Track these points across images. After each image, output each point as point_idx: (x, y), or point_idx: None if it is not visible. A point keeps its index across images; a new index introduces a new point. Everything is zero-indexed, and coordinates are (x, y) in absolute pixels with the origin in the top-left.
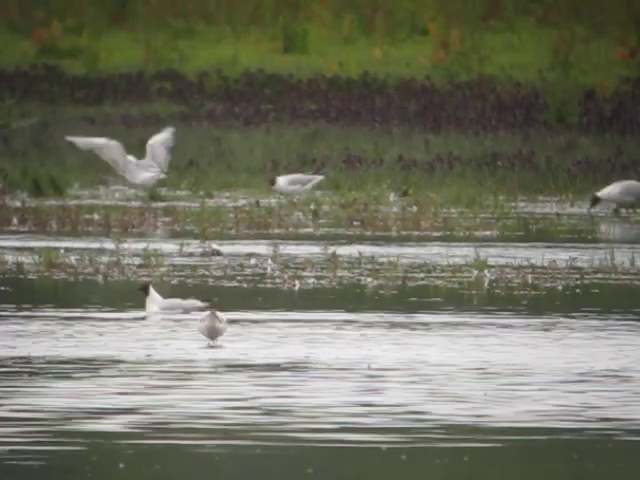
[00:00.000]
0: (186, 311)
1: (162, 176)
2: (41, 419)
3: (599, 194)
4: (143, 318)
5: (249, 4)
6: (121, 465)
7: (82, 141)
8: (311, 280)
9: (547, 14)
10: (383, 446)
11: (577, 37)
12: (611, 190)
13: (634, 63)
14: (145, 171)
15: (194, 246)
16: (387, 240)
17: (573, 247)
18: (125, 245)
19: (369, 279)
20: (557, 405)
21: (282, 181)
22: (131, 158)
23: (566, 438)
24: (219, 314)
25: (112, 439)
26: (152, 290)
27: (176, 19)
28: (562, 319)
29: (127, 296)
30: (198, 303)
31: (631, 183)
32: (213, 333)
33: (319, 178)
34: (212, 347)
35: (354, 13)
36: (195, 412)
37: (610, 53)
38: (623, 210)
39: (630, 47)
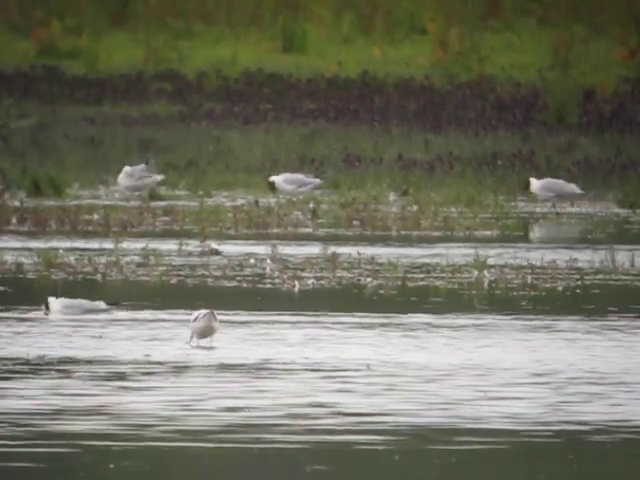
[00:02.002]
0: (88, 312)
1: (143, 189)
2: (33, 419)
3: (530, 181)
4: (49, 318)
5: (248, 4)
6: (111, 465)
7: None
8: (310, 280)
9: (547, 14)
10: (380, 447)
11: (577, 37)
12: (534, 184)
13: (634, 63)
14: (132, 179)
15: (193, 245)
16: (387, 240)
17: (571, 248)
18: (124, 245)
19: (369, 279)
20: (556, 405)
21: (279, 179)
22: (127, 167)
23: (564, 439)
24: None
25: (105, 440)
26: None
27: (176, 20)
28: (562, 320)
29: (126, 296)
30: (102, 305)
31: (550, 180)
32: (207, 333)
33: (317, 182)
34: (208, 348)
35: (353, 13)
36: (190, 412)
37: (610, 53)
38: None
39: (630, 47)
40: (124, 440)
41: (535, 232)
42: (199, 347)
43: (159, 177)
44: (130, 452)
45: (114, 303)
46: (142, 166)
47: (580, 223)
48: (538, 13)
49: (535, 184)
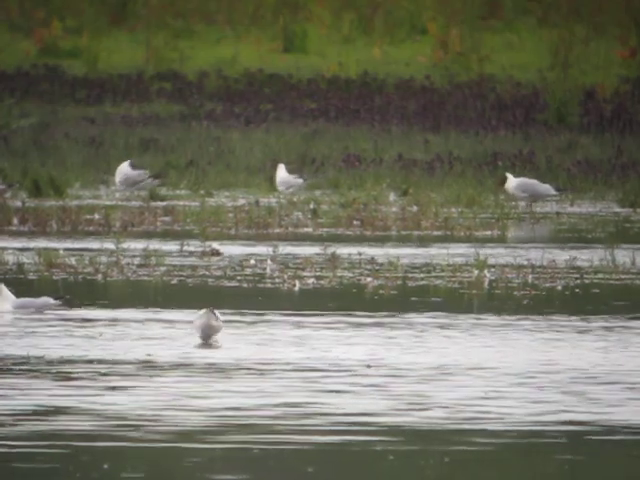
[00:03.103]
0: (39, 310)
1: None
2: (29, 419)
3: (508, 177)
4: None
5: (249, 4)
6: (105, 465)
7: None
8: (311, 280)
9: (547, 14)
10: (378, 447)
11: (577, 37)
12: (510, 182)
13: (634, 63)
14: (131, 177)
15: (194, 246)
16: (387, 240)
17: (573, 247)
18: (125, 245)
19: (369, 279)
20: (555, 405)
21: (281, 173)
22: (126, 165)
23: (563, 439)
24: (216, 312)
25: (101, 440)
26: (4, 288)
27: (176, 19)
28: (562, 319)
29: (127, 296)
30: (51, 301)
31: (524, 180)
32: (208, 331)
33: (300, 182)
34: (208, 347)
35: (353, 13)
36: (187, 412)
37: (610, 53)
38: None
39: (630, 47)
40: (120, 440)
41: (512, 232)
42: (199, 347)
43: (157, 182)
44: (125, 452)
45: (60, 297)
46: (143, 171)
47: (552, 222)
48: (538, 13)
49: (511, 183)
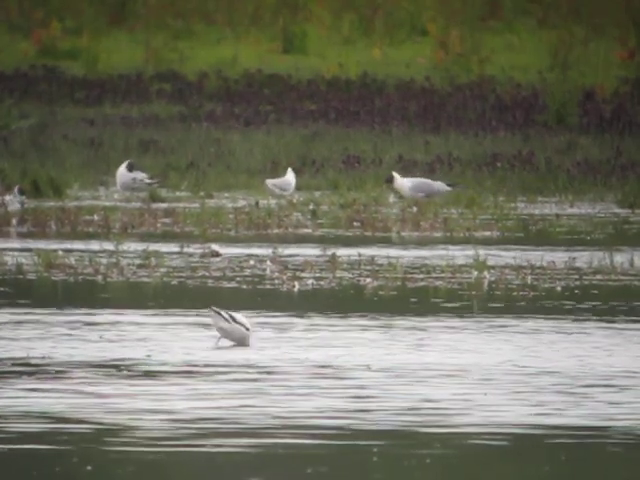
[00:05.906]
0: None
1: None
2: (22, 420)
3: (394, 176)
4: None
5: (249, 5)
6: (89, 467)
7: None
8: (310, 281)
9: (546, 15)
10: (374, 449)
11: (576, 38)
12: (403, 183)
13: (633, 64)
14: (126, 182)
15: (194, 247)
16: (387, 241)
17: (571, 249)
18: (125, 246)
19: (368, 280)
20: (552, 407)
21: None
22: (123, 170)
23: (560, 441)
24: (237, 316)
25: (90, 442)
26: None
27: (176, 20)
28: (562, 320)
29: (127, 297)
30: None
31: (418, 180)
32: (223, 334)
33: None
34: (207, 349)
35: (353, 14)
36: (182, 414)
37: (609, 54)
38: None
39: (629, 48)
40: (107, 445)
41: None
42: (197, 349)
43: (155, 183)
44: (113, 455)
45: None
46: (139, 176)
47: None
48: (538, 14)
49: (404, 184)
